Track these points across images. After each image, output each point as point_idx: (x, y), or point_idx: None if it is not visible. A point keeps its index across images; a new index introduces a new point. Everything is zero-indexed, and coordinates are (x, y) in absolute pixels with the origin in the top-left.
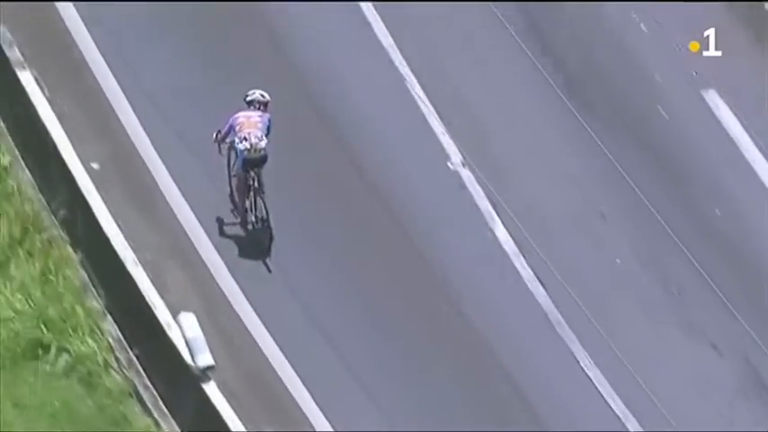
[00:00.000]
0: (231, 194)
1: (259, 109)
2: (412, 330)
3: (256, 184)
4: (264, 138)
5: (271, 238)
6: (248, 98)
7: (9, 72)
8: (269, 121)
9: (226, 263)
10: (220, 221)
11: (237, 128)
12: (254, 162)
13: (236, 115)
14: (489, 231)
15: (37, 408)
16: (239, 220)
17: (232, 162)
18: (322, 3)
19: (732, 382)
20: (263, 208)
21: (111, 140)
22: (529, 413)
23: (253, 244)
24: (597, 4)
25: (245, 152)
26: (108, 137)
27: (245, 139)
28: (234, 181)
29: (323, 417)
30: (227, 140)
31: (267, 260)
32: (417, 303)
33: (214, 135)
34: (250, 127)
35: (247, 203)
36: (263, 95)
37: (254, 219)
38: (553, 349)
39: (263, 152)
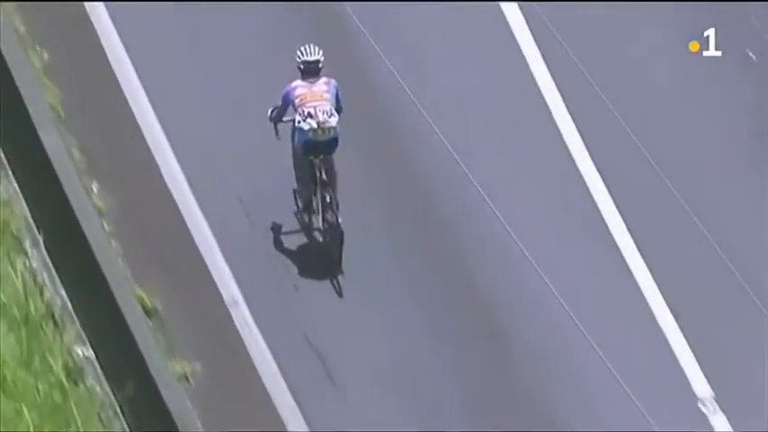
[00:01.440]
0: (295, 191)
1: (319, 75)
2: None
3: (324, 175)
4: (335, 113)
5: (341, 249)
6: (304, 59)
7: None
8: (337, 89)
9: (284, 279)
10: (277, 229)
11: (297, 101)
12: (319, 146)
13: (293, 85)
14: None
15: None
16: (302, 225)
17: (293, 147)
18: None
19: None
20: (333, 209)
21: None
22: None
23: (320, 256)
24: None
25: (310, 133)
26: None
27: (311, 115)
28: (298, 175)
29: None
30: (286, 119)
31: (338, 279)
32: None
33: (269, 112)
34: (314, 99)
35: (313, 203)
36: (320, 53)
37: (320, 223)
38: None
39: (333, 132)
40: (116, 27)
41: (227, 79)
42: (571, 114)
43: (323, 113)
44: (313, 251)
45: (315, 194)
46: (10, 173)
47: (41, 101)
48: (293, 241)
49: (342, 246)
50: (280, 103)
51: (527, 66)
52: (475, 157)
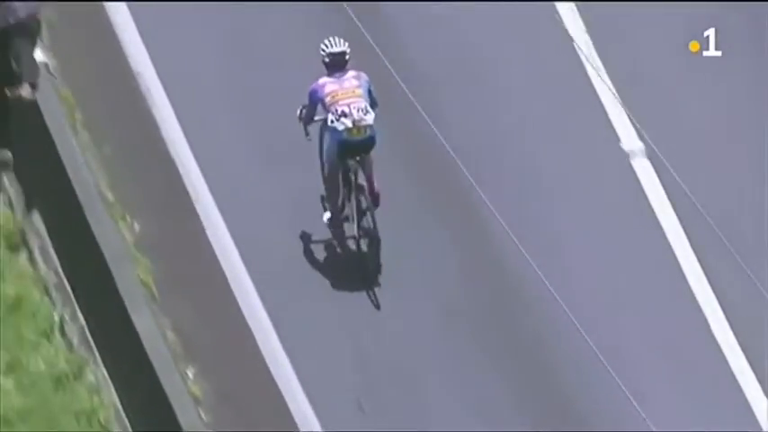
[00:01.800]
0: (324, 196)
1: (345, 68)
2: None
3: (360, 179)
4: (370, 109)
5: (378, 259)
6: (329, 51)
7: None
8: (369, 83)
9: (315, 292)
10: (307, 238)
11: (328, 99)
12: (356, 146)
13: (320, 82)
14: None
15: None
16: (334, 233)
17: (325, 148)
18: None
19: None
20: (370, 216)
21: None
22: None
23: (354, 269)
24: None
25: (345, 133)
26: None
27: (345, 114)
28: (326, 175)
29: None
30: (317, 119)
31: (375, 291)
32: None
33: (298, 112)
34: (347, 96)
35: (347, 210)
36: (346, 45)
37: (356, 230)
38: None
39: (369, 131)
40: (212, 193)
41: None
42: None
43: (358, 111)
44: (347, 261)
45: (349, 199)
46: (98, 357)
47: (133, 278)
48: (325, 251)
49: (379, 255)
50: (307, 102)
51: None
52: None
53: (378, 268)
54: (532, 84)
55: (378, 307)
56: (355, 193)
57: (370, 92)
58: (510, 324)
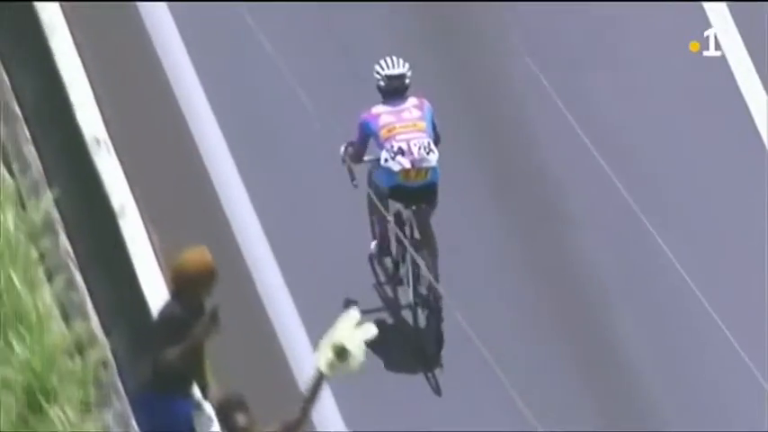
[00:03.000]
0: (372, 255)
1: (405, 95)
2: None
3: (417, 233)
4: (434, 148)
5: (440, 334)
6: (386, 73)
7: None
8: (432, 114)
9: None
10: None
11: (383, 132)
12: (412, 193)
13: (373, 112)
14: None
15: None
16: (385, 301)
17: (373, 193)
18: None
19: None
20: (430, 279)
21: None
22: None
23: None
24: None
25: (401, 175)
26: None
27: (402, 151)
28: (376, 229)
29: None
30: (366, 158)
31: (434, 373)
32: None
33: (342, 150)
34: (406, 130)
35: (401, 270)
36: (406, 66)
37: (411, 297)
38: None
39: (430, 175)
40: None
41: None
42: None
43: (419, 149)
44: (401, 336)
45: (403, 260)
46: None
47: None
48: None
49: (441, 329)
50: (356, 137)
51: None
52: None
53: (439, 345)
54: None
55: (438, 392)
56: (411, 252)
57: (433, 125)
58: None
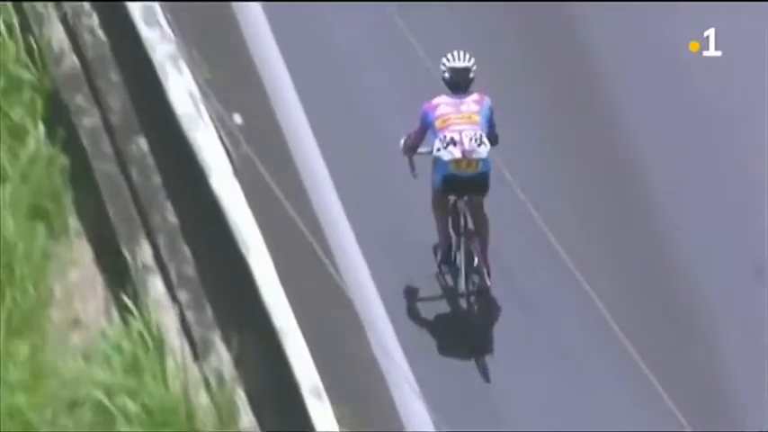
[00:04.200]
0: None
1: (468, 89)
2: None
3: (471, 224)
4: (485, 141)
5: (490, 323)
6: (450, 65)
7: None
8: (491, 110)
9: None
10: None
11: (438, 122)
12: (463, 183)
13: (434, 102)
14: None
15: None
16: (443, 289)
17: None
18: None
19: None
20: (481, 269)
21: None
22: None
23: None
24: None
25: (452, 165)
26: None
27: (453, 141)
28: (437, 220)
29: None
30: (423, 150)
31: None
32: None
33: (402, 142)
34: (461, 121)
35: (456, 259)
36: (471, 61)
37: (464, 286)
38: None
39: (481, 166)
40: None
41: None
42: None
43: (470, 140)
44: (455, 323)
45: (458, 248)
46: None
47: None
48: (431, 310)
49: (491, 318)
50: (417, 126)
51: None
52: None
53: (488, 334)
54: None
55: (487, 379)
56: (465, 241)
57: (490, 121)
58: None
